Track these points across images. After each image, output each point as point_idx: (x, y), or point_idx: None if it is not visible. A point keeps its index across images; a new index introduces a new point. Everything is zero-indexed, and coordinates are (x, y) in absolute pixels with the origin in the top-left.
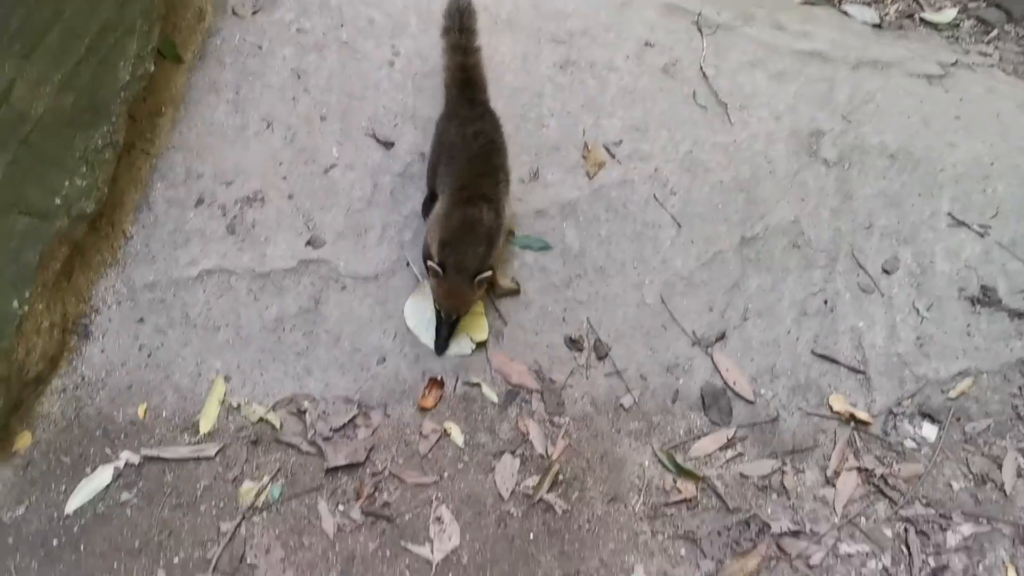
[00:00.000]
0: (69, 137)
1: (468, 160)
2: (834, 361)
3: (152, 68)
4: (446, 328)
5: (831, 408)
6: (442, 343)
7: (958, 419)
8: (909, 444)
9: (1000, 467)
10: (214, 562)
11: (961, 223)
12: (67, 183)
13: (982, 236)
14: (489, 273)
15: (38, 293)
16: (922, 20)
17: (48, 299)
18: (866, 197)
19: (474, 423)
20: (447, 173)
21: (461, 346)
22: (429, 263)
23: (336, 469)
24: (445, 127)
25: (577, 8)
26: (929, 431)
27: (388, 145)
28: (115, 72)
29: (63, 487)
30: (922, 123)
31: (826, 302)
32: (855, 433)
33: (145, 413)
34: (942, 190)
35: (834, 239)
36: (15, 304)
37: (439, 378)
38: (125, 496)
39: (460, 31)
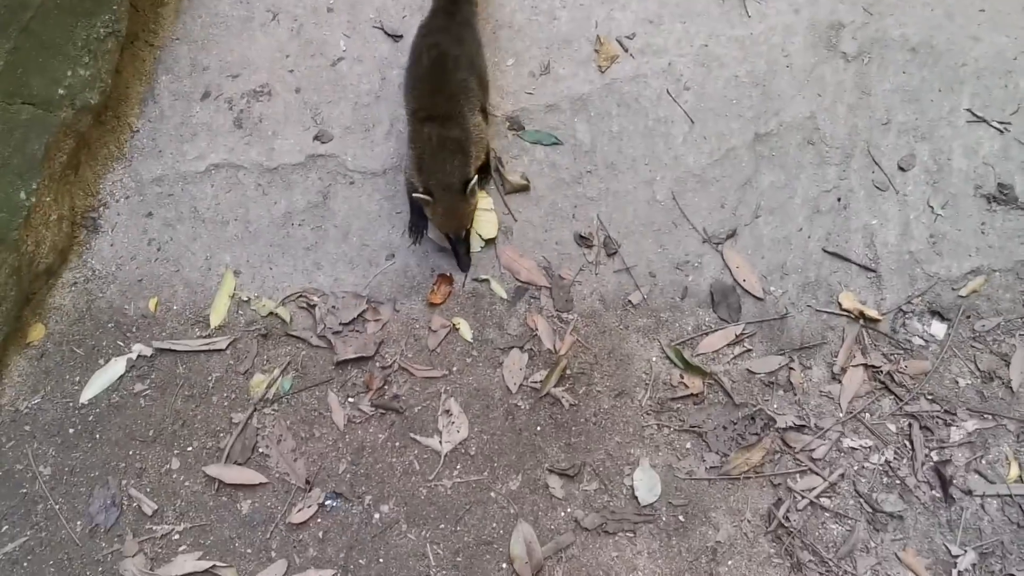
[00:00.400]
0: (70, 25)
1: (420, 77)
2: (845, 259)
3: None
4: (462, 246)
5: (840, 306)
6: (465, 261)
7: (968, 317)
8: (917, 342)
9: (1008, 364)
10: (227, 451)
11: (980, 119)
12: (69, 72)
13: (1001, 133)
14: (476, 178)
15: (45, 185)
16: None
17: (56, 192)
18: (884, 92)
19: (483, 319)
20: (407, 91)
21: (471, 241)
22: (415, 195)
23: (346, 362)
24: (414, 38)
25: None
26: (938, 329)
27: (396, 37)
28: None
29: (77, 378)
30: (945, 16)
31: (839, 200)
32: (864, 331)
33: (156, 306)
34: (963, 85)
35: (850, 136)
36: (22, 195)
37: (448, 274)
38: (138, 387)
39: None
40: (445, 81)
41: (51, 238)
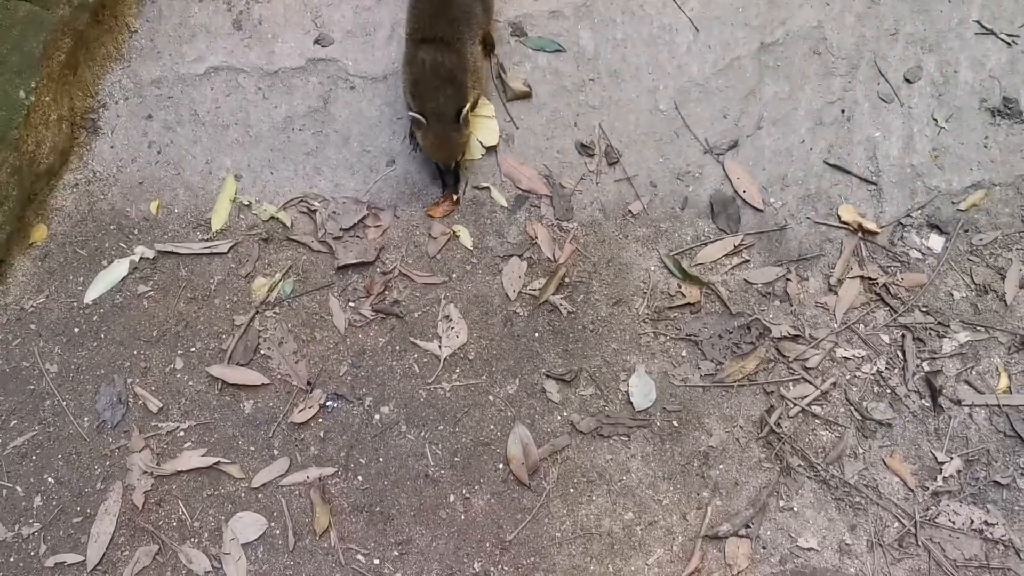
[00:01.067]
0: None
1: None
2: (846, 171)
3: None
4: (450, 176)
5: (840, 218)
6: (452, 191)
7: (966, 231)
8: (914, 255)
9: (1004, 278)
10: (229, 352)
11: (989, 31)
12: None
13: (1009, 46)
14: (468, 106)
15: (44, 85)
16: None
17: (55, 92)
18: (893, 2)
19: (483, 226)
20: (408, 12)
21: (472, 151)
22: (411, 113)
23: (346, 267)
24: None
25: None
26: (936, 242)
27: None
28: None
29: (81, 278)
30: None
31: (843, 111)
32: (862, 243)
33: (158, 209)
34: None
35: (857, 46)
36: (21, 94)
37: (456, 197)
38: (141, 288)
39: None
40: (448, 4)
41: (51, 138)
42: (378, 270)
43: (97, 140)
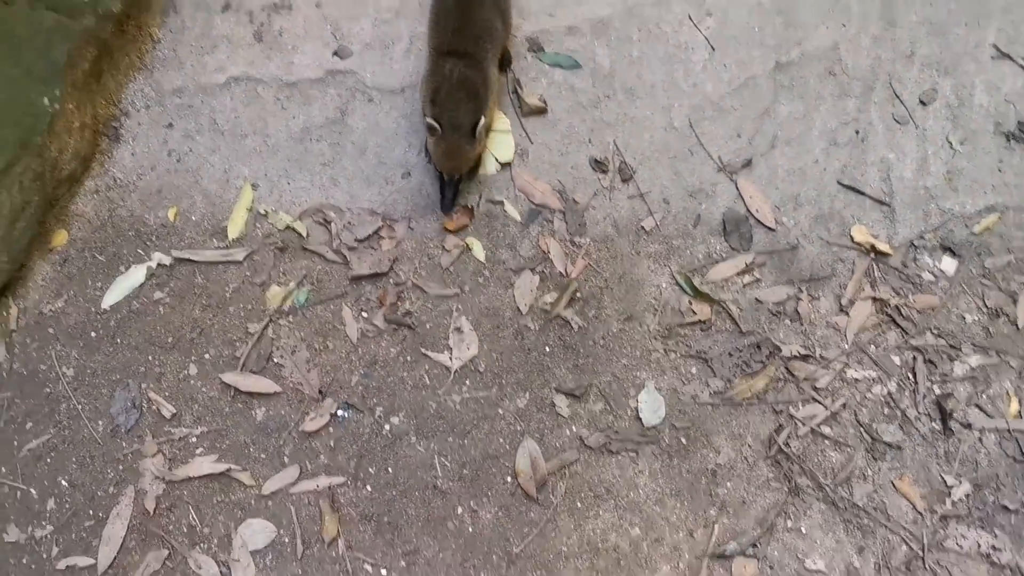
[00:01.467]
0: None
1: (445, 13)
2: (860, 192)
3: None
4: (450, 189)
5: (852, 239)
6: (447, 203)
7: (979, 254)
8: (927, 277)
9: (1015, 302)
10: (243, 360)
11: (1005, 55)
12: None
13: None
14: (484, 120)
15: (68, 93)
16: None
17: (78, 99)
18: (910, 24)
19: (496, 240)
20: (431, 26)
21: (486, 165)
22: (426, 119)
23: (360, 278)
24: None
25: None
26: (948, 265)
27: None
28: None
29: (99, 284)
30: None
31: (857, 132)
32: (874, 264)
33: (176, 216)
34: (990, 19)
35: (872, 67)
36: (46, 101)
37: (471, 208)
38: (158, 295)
39: None
40: (470, 19)
41: (74, 145)
42: (391, 281)
43: (118, 147)
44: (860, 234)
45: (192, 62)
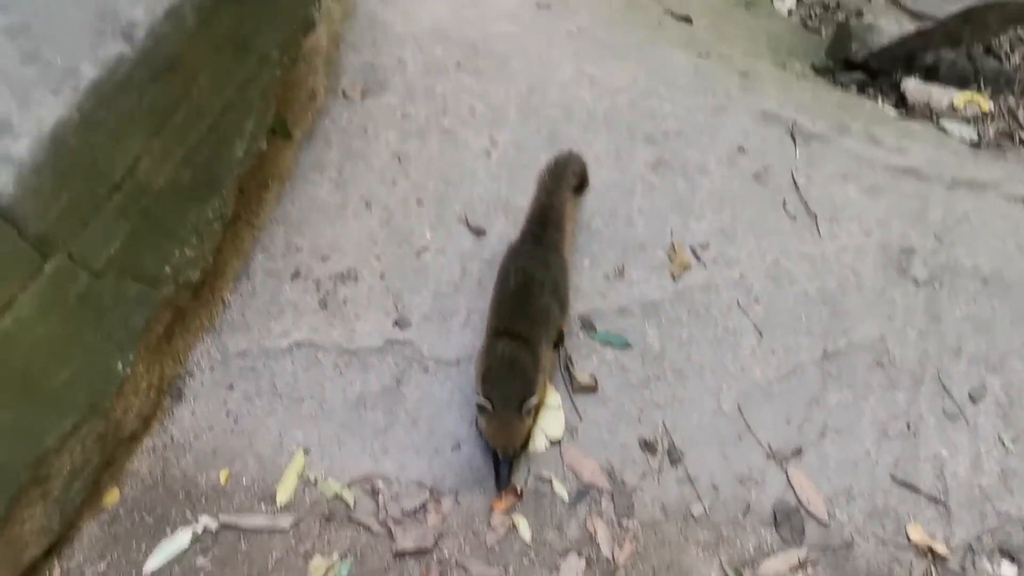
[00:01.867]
0: (184, 209)
1: (505, 298)
2: (914, 489)
3: (265, 146)
4: (505, 465)
5: (909, 538)
6: (503, 480)
7: None
8: None
9: None
10: None
11: None
12: (177, 252)
13: None
14: (535, 400)
15: (140, 356)
16: (1021, 140)
17: (148, 362)
18: (955, 320)
19: (543, 518)
20: (491, 309)
21: (535, 441)
22: (477, 399)
23: (404, 553)
24: (503, 259)
25: (673, 110)
26: (1008, 571)
27: (479, 232)
28: (231, 149)
29: (143, 546)
30: (1017, 249)
31: (908, 426)
32: (932, 567)
33: (227, 479)
34: None
35: (920, 361)
36: (119, 366)
37: (520, 491)
38: (200, 561)
39: (550, 175)
40: (529, 305)
41: (138, 405)
42: (435, 557)
43: (180, 406)
44: (917, 533)
45: (259, 326)
